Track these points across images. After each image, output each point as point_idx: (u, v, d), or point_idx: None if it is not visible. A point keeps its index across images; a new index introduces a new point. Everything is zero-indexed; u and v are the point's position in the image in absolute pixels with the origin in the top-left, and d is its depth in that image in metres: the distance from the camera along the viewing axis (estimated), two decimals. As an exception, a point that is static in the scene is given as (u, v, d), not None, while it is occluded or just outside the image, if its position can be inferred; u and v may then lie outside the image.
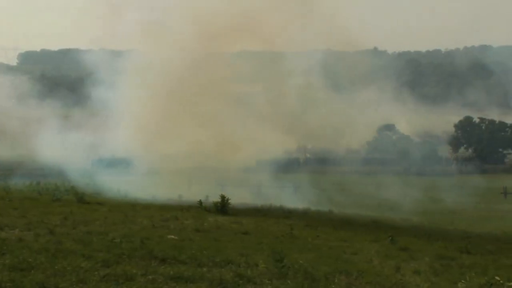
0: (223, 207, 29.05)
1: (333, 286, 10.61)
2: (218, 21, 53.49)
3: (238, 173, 50.44)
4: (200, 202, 29.86)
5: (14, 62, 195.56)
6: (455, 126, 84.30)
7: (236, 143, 55.13)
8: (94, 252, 12.79)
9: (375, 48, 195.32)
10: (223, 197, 29.58)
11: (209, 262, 12.21)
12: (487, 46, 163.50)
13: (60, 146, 51.42)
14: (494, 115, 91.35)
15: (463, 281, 11.19)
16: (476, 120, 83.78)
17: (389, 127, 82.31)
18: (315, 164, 79.66)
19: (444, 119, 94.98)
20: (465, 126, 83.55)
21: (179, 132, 48.68)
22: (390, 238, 18.71)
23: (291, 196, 44.76)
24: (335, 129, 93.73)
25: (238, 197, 32.63)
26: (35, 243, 14.03)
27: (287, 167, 78.81)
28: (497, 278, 10.88)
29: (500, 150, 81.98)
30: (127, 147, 48.40)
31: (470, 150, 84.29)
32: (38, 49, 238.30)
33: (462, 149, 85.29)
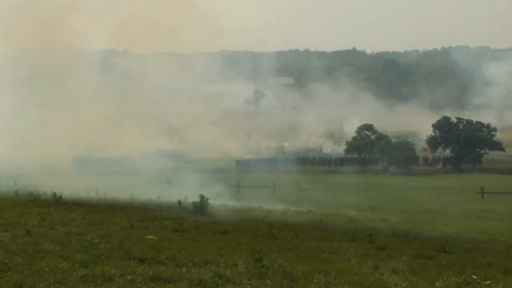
0: (202, 207, 29.06)
1: (311, 286, 10.65)
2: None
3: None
4: (179, 202, 29.80)
5: None
6: (433, 126, 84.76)
7: None
8: (72, 253, 12.71)
9: (354, 48, 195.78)
10: (202, 197, 29.57)
11: (188, 262, 12.20)
12: (464, 46, 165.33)
13: None
14: (471, 114, 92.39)
15: (440, 280, 11.29)
16: (454, 120, 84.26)
17: (368, 127, 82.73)
18: (294, 164, 79.96)
19: (422, 119, 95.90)
20: (442, 126, 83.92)
21: None
22: (369, 237, 18.81)
23: (270, 196, 44.90)
24: (312, 129, 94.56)
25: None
26: (12, 244, 13.92)
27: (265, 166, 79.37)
28: (473, 277, 10.99)
29: (477, 150, 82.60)
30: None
31: (447, 150, 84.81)
32: None
33: (439, 149, 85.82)
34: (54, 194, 31.63)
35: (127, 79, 75.51)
